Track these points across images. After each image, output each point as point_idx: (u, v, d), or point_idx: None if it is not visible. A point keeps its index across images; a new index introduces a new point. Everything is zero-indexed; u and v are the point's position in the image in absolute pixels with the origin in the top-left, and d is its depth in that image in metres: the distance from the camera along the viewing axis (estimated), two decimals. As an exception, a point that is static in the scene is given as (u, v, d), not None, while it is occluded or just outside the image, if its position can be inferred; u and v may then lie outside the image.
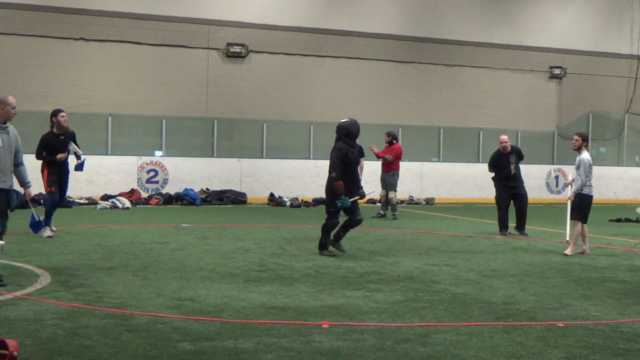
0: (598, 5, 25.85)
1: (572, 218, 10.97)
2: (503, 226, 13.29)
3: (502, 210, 13.35)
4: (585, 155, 10.84)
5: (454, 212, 18.54)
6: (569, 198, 11.06)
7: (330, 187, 9.96)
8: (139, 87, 20.60)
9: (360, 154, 16.64)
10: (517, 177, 13.41)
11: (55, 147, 11.36)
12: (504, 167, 13.40)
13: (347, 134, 10.05)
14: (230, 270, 8.54)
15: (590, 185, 10.89)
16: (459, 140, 23.69)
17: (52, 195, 11.39)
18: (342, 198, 9.84)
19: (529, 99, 24.87)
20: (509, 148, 13.46)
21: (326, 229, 10.04)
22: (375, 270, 8.88)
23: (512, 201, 13.43)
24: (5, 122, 7.52)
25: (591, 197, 10.92)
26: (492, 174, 13.75)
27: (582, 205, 10.83)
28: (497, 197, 13.54)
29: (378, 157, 16.32)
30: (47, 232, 11.12)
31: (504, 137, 13.62)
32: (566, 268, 9.46)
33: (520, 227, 13.34)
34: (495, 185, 13.64)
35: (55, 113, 11.41)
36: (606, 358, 5.24)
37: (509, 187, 13.36)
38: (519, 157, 13.54)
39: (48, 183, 11.42)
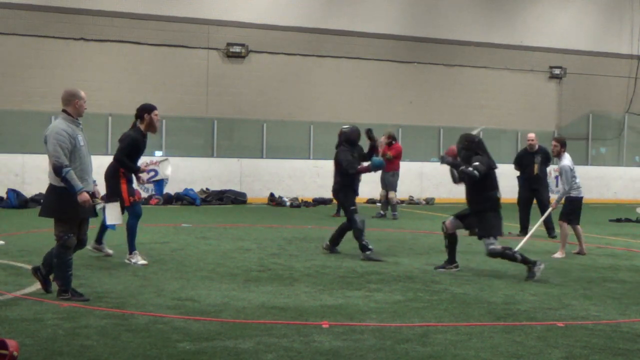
0: (598, 5, 25.86)
1: (560, 219, 10.83)
2: (522, 228, 13.01)
3: (521, 212, 13.10)
4: (565, 161, 10.58)
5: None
6: (553, 207, 10.96)
7: (340, 190, 10.20)
8: (139, 87, 20.59)
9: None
10: (539, 180, 13.00)
11: (140, 150, 9.08)
12: (527, 166, 13.03)
13: (347, 140, 10.28)
14: (230, 270, 8.54)
15: (579, 187, 10.67)
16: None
17: (135, 207, 9.31)
18: (373, 160, 10.15)
19: (529, 99, 24.88)
20: (536, 147, 13.03)
21: (359, 232, 9.83)
22: (375, 270, 8.87)
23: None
24: (77, 119, 6.88)
25: (581, 198, 10.76)
26: (518, 173, 13.41)
27: (571, 208, 10.70)
28: (518, 198, 13.31)
29: (380, 154, 16.25)
30: (137, 257, 9.02)
31: (531, 135, 13.24)
32: (566, 268, 9.46)
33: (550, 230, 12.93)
34: (519, 185, 13.35)
35: (150, 109, 8.93)
36: (606, 358, 5.24)
37: (530, 189, 13.02)
38: (546, 159, 13.06)
39: (128, 192, 9.15)
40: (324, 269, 8.86)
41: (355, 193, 10.33)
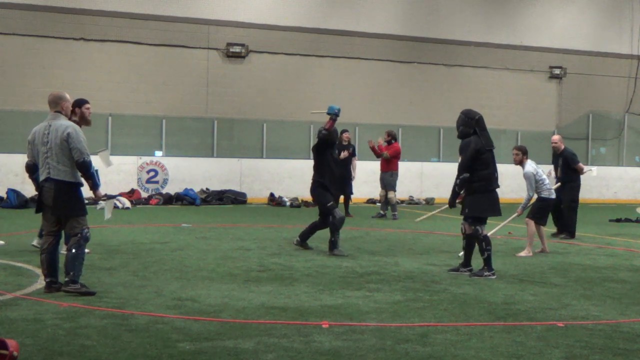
0: (598, 5, 25.86)
1: (527, 216, 10.88)
2: (558, 229, 12.97)
3: (552, 214, 12.70)
4: (527, 167, 10.69)
5: (454, 212, 18.52)
6: (518, 213, 10.93)
7: (317, 189, 10.39)
8: (139, 87, 20.60)
9: (353, 153, 16.73)
10: (560, 181, 12.71)
11: None
12: (555, 168, 13.04)
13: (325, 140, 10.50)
14: (230, 270, 8.54)
15: (549, 189, 10.85)
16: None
17: None
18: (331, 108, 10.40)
19: (529, 99, 24.88)
20: (559, 149, 12.90)
21: (335, 227, 10.10)
22: (375, 270, 8.87)
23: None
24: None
25: (551, 200, 10.91)
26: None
27: (538, 207, 10.84)
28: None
29: (377, 154, 16.22)
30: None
31: (555, 138, 13.16)
32: (566, 268, 9.46)
33: (560, 231, 12.92)
34: None
35: (80, 103, 8.54)
36: (606, 358, 5.24)
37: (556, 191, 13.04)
38: (565, 161, 12.81)
39: None
40: (324, 269, 8.86)
41: (329, 191, 10.42)
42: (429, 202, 21.74)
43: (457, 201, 8.86)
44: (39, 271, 8.06)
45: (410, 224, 14.99)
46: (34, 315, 6.01)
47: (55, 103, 7.12)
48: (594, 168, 12.81)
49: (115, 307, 6.38)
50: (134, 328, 5.68)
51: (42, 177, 7.00)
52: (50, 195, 6.92)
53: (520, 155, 10.81)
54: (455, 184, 8.64)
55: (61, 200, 6.90)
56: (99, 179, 9.52)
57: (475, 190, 8.58)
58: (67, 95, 7.19)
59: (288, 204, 19.67)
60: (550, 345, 5.51)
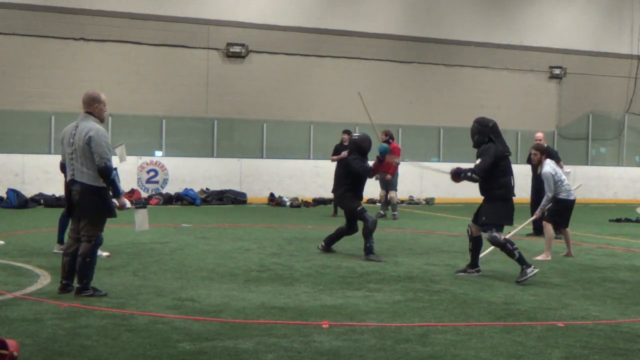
0: (598, 5, 25.86)
1: (545, 219, 10.61)
2: (533, 227, 12.91)
3: (532, 212, 12.73)
4: (546, 168, 10.46)
5: (454, 212, 18.53)
6: (537, 215, 10.81)
7: (345, 195, 10.18)
8: (139, 87, 20.60)
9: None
10: (539, 179, 12.28)
11: None
12: (534, 165, 13.09)
13: (358, 149, 10.23)
14: (230, 270, 8.54)
15: (568, 190, 10.50)
16: (459, 140, 23.63)
17: None
18: (379, 149, 10.11)
19: (529, 99, 24.88)
20: (544, 147, 13.03)
21: (369, 231, 9.83)
22: (375, 270, 8.88)
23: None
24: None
25: (570, 201, 10.57)
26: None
27: (556, 209, 10.49)
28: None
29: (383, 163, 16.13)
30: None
31: (539, 135, 13.05)
32: (566, 268, 9.46)
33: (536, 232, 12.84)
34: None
35: None
36: (606, 358, 5.24)
37: (533, 188, 12.98)
38: (549, 157, 12.77)
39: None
40: (324, 269, 8.86)
41: (360, 198, 10.23)
42: (429, 202, 21.74)
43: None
44: (39, 271, 8.08)
45: (410, 224, 14.99)
46: (34, 315, 6.01)
47: (88, 104, 6.94)
48: (569, 170, 12.79)
49: (115, 307, 6.38)
50: (134, 328, 5.68)
51: (68, 179, 6.92)
52: (76, 198, 6.85)
53: (539, 155, 10.59)
54: (466, 172, 8.41)
55: (85, 202, 6.80)
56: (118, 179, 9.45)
57: (496, 197, 8.37)
58: (103, 97, 6.97)
59: (288, 204, 19.67)
60: (550, 345, 5.51)
